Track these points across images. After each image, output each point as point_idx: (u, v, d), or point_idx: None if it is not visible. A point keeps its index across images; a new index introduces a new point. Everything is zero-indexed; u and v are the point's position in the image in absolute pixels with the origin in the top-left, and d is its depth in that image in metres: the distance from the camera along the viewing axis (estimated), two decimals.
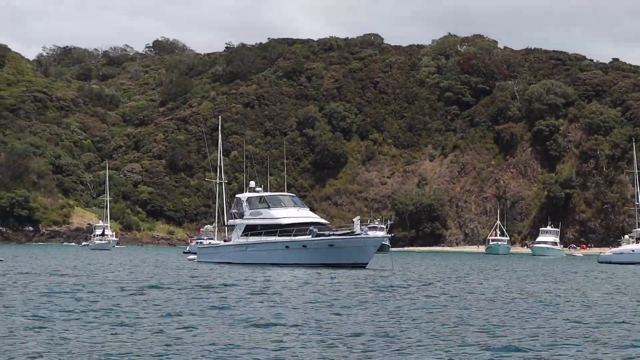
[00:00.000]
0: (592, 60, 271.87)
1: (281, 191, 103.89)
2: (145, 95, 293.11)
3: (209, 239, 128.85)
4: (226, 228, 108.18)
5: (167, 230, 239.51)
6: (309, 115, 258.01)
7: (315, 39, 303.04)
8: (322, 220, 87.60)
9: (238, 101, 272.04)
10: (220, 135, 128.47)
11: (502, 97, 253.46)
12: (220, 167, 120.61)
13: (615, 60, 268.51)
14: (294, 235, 79.24)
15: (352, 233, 78.64)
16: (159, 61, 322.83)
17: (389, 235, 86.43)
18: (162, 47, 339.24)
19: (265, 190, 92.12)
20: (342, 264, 75.31)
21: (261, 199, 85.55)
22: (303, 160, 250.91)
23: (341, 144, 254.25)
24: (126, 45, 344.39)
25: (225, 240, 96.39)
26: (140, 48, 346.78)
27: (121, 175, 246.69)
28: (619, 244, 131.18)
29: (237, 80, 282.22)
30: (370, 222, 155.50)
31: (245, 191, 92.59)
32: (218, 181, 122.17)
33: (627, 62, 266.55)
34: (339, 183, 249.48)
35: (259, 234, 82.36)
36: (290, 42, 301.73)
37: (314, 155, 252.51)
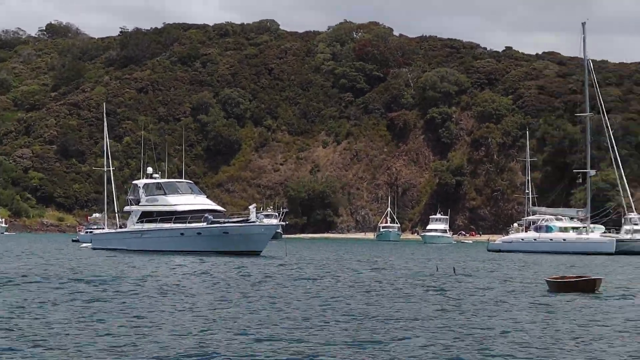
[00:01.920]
0: (485, 48, 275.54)
1: (176, 178, 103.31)
2: (38, 80, 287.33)
3: (98, 227, 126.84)
4: (116, 215, 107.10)
5: (56, 217, 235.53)
6: (203, 101, 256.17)
7: (211, 24, 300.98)
8: (218, 208, 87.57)
9: (132, 86, 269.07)
10: (105, 123, 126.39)
11: (396, 85, 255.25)
12: (107, 154, 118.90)
13: (508, 48, 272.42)
14: (189, 223, 78.93)
15: (246, 221, 78.69)
16: (52, 45, 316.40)
17: (283, 224, 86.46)
18: (56, 31, 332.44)
19: (162, 176, 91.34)
20: (236, 252, 75.28)
21: (158, 186, 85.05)
22: (196, 146, 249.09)
23: (235, 131, 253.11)
24: (18, 28, 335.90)
25: (120, 227, 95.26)
26: (33, 31, 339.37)
27: (11, 161, 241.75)
28: (508, 232, 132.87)
29: (131, 65, 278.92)
30: (264, 209, 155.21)
31: (142, 177, 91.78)
32: (105, 169, 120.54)
33: (520, 51, 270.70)
34: (232, 170, 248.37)
35: (155, 221, 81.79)
36: (185, 27, 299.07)
37: (207, 142, 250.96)
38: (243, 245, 76.37)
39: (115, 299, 31.95)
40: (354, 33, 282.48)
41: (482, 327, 24.81)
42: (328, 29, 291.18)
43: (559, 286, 40.52)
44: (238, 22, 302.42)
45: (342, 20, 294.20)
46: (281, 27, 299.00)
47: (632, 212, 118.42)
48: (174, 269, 53.56)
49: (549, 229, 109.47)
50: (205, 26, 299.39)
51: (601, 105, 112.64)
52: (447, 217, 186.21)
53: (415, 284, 43.00)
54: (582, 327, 25.63)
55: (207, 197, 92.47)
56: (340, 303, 30.99)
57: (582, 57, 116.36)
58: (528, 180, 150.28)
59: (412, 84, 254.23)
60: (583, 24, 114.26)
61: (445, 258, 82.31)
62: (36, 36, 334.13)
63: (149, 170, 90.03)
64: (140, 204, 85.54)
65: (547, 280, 42.82)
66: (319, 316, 26.63)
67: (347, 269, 56.92)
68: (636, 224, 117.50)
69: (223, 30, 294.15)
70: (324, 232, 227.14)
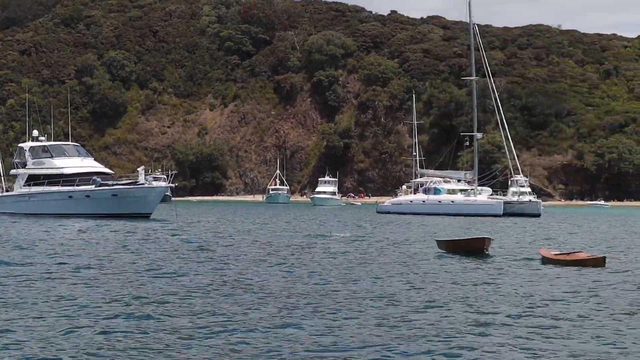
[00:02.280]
0: (370, 12, 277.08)
1: (62, 141, 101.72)
2: None
3: None
4: (2, 178, 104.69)
5: None
6: (88, 63, 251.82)
7: None
8: (107, 170, 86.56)
9: (14, 48, 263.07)
10: None
11: (283, 48, 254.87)
12: None
13: (394, 12, 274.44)
14: (77, 185, 77.81)
15: (135, 183, 78.08)
16: None
17: (172, 186, 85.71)
18: None
19: (48, 139, 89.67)
20: (126, 214, 74.70)
21: (44, 149, 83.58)
22: (82, 109, 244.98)
23: (120, 93, 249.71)
24: None
25: (6, 191, 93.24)
26: None
27: None
28: (396, 194, 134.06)
29: (13, 26, 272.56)
30: (152, 172, 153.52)
31: (28, 140, 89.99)
32: None
33: (405, 15, 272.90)
34: (118, 133, 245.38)
35: (42, 184, 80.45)
36: None
37: (92, 104, 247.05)
38: (132, 207, 75.89)
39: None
40: None
41: (368, 289, 24.84)
42: None
43: (449, 245, 40.97)
44: None
45: None
46: None
47: (519, 174, 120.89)
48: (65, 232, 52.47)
49: (437, 191, 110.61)
50: None
51: (487, 69, 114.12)
52: (335, 179, 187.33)
53: (309, 245, 42.90)
54: (468, 287, 25.96)
55: (94, 159, 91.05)
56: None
57: (467, 21, 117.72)
58: (415, 142, 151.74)
59: (298, 47, 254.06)
60: None
61: (335, 220, 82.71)
62: None
63: (35, 133, 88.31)
64: (26, 167, 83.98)
65: (436, 240, 43.28)
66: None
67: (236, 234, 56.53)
68: (522, 186, 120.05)
69: None
70: (212, 195, 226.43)
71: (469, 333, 17.75)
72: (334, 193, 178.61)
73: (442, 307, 21.40)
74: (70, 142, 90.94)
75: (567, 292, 25.12)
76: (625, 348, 16.55)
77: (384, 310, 20.63)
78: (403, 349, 16.07)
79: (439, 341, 16.81)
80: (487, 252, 38.89)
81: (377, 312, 20.33)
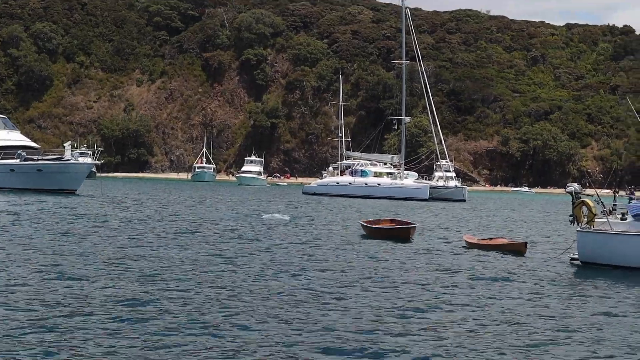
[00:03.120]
0: None
1: None
2: None
3: None
4: None
5: None
6: (14, 35, 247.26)
7: None
8: (33, 144, 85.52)
9: None
10: None
11: (212, 25, 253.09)
12: None
13: None
14: (2, 159, 76.82)
15: (61, 159, 77.32)
16: None
17: (98, 162, 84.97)
18: None
19: None
20: (51, 190, 73.88)
21: None
22: (7, 81, 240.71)
23: (47, 66, 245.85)
24: None
25: None
26: None
27: None
28: (322, 176, 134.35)
29: None
30: (78, 147, 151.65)
31: None
32: None
33: None
34: (43, 106, 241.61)
35: None
36: None
37: (18, 77, 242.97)
38: (58, 183, 75.18)
39: None
40: None
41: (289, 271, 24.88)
42: None
43: (374, 232, 41.09)
44: None
45: None
46: None
47: (445, 159, 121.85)
48: None
49: (364, 174, 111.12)
50: None
51: (417, 52, 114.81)
52: (261, 159, 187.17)
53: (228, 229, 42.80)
54: (390, 272, 26.18)
55: (20, 133, 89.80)
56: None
57: (397, 3, 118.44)
58: (341, 124, 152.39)
59: (227, 25, 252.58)
60: None
61: (261, 200, 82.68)
62: None
63: None
64: None
65: (362, 224, 43.33)
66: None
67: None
68: (447, 171, 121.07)
69: None
70: (138, 172, 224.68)
71: (390, 317, 17.86)
72: (259, 173, 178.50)
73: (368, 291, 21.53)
74: None
75: (484, 277, 25.64)
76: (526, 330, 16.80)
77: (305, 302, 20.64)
78: (320, 337, 16.07)
79: (355, 328, 16.88)
80: (412, 240, 39.15)
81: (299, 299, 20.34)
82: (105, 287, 20.84)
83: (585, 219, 29.62)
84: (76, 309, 17.81)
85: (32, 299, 18.90)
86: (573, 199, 29.92)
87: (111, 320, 16.79)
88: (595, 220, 29.45)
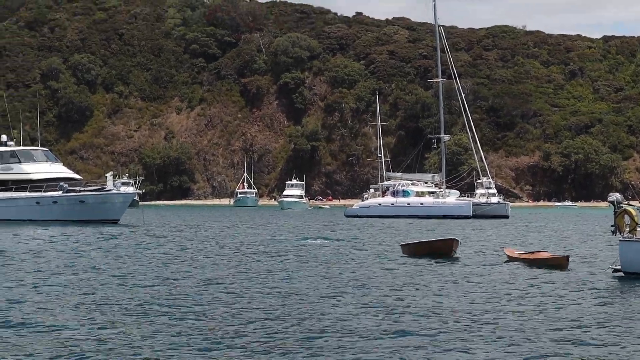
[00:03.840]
0: (336, 13, 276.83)
1: (29, 145, 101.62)
2: None
3: None
4: None
5: None
6: (53, 67, 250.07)
7: None
8: (75, 176, 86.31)
9: None
10: None
11: (248, 50, 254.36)
12: None
13: (359, 14, 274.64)
14: (45, 191, 77.68)
15: (103, 189, 78.09)
16: None
17: (140, 192, 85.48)
18: None
19: (16, 145, 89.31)
20: (94, 220, 74.51)
21: (12, 154, 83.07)
22: (47, 113, 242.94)
23: (86, 97, 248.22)
24: None
25: None
26: None
27: None
28: (363, 197, 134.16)
29: None
30: (119, 177, 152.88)
31: None
32: None
33: (370, 16, 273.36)
34: (84, 137, 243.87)
35: (10, 190, 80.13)
36: None
37: (58, 108, 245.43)
38: (100, 214, 75.89)
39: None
40: None
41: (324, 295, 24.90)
42: None
43: (412, 249, 40.92)
44: None
45: None
46: None
47: (486, 175, 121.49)
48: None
49: (405, 194, 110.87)
50: None
51: (453, 70, 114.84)
52: (302, 182, 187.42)
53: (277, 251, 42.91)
54: (434, 289, 26.19)
55: (62, 165, 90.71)
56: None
57: (432, 22, 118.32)
58: (380, 144, 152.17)
59: (264, 50, 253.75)
60: None
61: (307, 224, 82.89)
62: None
63: (4, 137, 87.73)
64: None
65: (401, 245, 43.07)
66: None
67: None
68: (489, 188, 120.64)
69: None
70: (180, 199, 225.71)
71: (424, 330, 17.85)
72: (301, 196, 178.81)
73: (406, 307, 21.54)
74: (39, 147, 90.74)
75: (523, 290, 25.57)
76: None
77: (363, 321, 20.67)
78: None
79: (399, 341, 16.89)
80: (454, 254, 39.01)
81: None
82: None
83: (628, 228, 29.31)
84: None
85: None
86: (615, 208, 29.64)
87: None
88: (638, 229, 29.15)
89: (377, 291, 25.85)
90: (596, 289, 26.78)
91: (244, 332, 18.59)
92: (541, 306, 22.67)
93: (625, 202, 30.81)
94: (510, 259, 36.26)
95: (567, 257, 34.72)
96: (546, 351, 16.64)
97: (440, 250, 39.29)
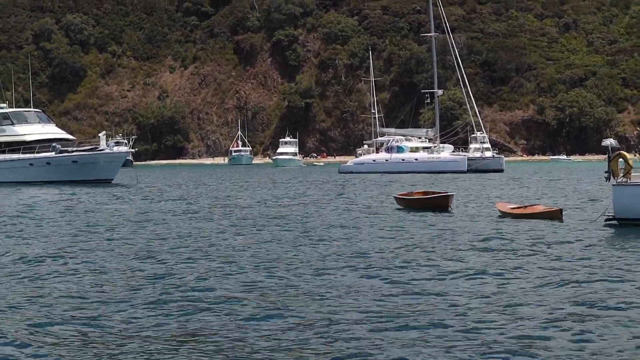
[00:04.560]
0: None
1: (22, 107, 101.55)
2: None
3: None
4: None
5: None
6: (45, 27, 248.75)
7: None
8: (68, 136, 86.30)
9: None
10: None
11: (241, 7, 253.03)
12: None
13: None
14: (38, 152, 77.78)
15: (96, 149, 78.14)
16: None
17: (133, 151, 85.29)
18: None
19: (9, 106, 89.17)
20: (87, 180, 74.65)
21: (4, 116, 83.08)
22: (40, 74, 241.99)
23: (79, 57, 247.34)
24: None
25: None
26: None
27: None
28: (357, 154, 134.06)
29: None
30: (113, 137, 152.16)
31: None
32: None
33: None
34: (78, 97, 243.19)
35: (3, 152, 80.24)
36: None
37: (51, 69, 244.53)
38: (93, 173, 76.03)
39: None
40: None
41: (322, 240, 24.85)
42: None
43: (409, 203, 40.94)
44: None
45: None
46: None
47: (480, 130, 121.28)
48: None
49: (400, 150, 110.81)
50: None
51: (446, 24, 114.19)
52: (296, 140, 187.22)
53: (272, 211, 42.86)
54: (429, 242, 26.14)
55: (55, 125, 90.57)
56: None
57: None
58: (374, 101, 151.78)
59: (257, 6, 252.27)
60: None
61: (300, 180, 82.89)
62: None
63: None
64: None
65: (395, 197, 43.11)
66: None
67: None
68: (483, 142, 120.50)
69: None
70: (175, 159, 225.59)
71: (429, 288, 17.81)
72: (295, 154, 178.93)
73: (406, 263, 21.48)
74: (32, 109, 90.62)
75: (515, 244, 25.46)
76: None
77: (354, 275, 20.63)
78: (369, 307, 16.05)
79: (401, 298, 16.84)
80: (451, 209, 38.94)
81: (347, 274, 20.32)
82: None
83: (622, 172, 28.97)
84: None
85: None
86: (609, 153, 29.30)
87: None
88: (632, 173, 28.83)
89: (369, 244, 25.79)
90: (589, 239, 26.65)
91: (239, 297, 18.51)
92: (531, 260, 22.56)
93: (619, 148, 30.50)
94: (503, 214, 36.14)
95: (561, 210, 34.56)
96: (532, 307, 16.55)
97: (438, 206, 39.23)
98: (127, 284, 19.08)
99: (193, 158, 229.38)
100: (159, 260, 22.70)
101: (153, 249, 25.31)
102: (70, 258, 23.46)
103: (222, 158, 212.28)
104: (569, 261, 21.82)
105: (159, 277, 19.92)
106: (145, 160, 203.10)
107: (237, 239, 27.62)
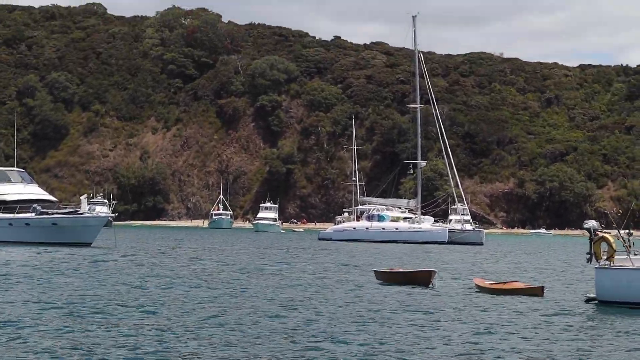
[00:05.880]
0: (314, 37, 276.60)
1: (8, 164, 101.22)
2: None
3: None
4: None
5: None
6: (29, 84, 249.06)
7: (37, 6, 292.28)
8: (50, 197, 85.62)
9: None
10: None
11: (226, 72, 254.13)
12: None
13: (337, 38, 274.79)
14: (18, 213, 77.12)
15: (76, 212, 77.51)
16: None
17: (114, 215, 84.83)
18: None
19: None
20: (67, 243, 73.94)
21: None
22: (22, 130, 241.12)
23: (62, 115, 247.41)
24: None
25: None
26: None
27: None
28: (336, 221, 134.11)
29: None
30: (94, 196, 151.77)
31: None
32: None
33: (348, 40, 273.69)
34: (59, 155, 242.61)
35: None
36: (10, 8, 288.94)
37: (34, 126, 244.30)
38: (73, 236, 75.25)
39: None
40: (183, 19, 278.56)
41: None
42: (156, 14, 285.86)
43: (389, 277, 40.71)
44: (64, 4, 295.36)
45: (171, 6, 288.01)
46: (108, 11, 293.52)
47: (462, 202, 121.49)
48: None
49: (381, 218, 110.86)
50: (30, 8, 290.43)
51: (431, 95, 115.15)
52: (276, 205, 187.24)
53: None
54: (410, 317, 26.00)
55: (38, 185, 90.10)
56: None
57: (410, 47, 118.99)
58: (355, 169, 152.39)
59: (241, 71, 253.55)
60: (414, 17, 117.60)
61: (278, 246, 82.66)
62: None
63: None
64: None
65: (375, 271, 42.89)
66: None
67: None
68: (464, 214, 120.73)
69: (49, 13, 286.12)
70: (154, 219, 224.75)
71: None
72: (274, 219, 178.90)
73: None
74: (14, 168, 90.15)
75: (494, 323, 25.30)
76: None
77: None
78: None
79: None
80: (432, 285, 38.72)
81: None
82: None
83: (605, 256, 29.06)
84: None
85: None
86: (591, 235, 29.39)
87: None
88: (615, 256, 28.92)
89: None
90: (571, 317, 26.58)
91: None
92: (510, 337, 22.46)
93: (601, 230, 30.56)
94: (480, 290, 35.98)
95: (542, 287, 34.45)
96: None
97: (419, 281, 39.01)
98: None
99: (172, 220, 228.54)
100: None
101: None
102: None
103: (202, 221, 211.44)
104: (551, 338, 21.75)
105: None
106: (124, 219, 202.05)
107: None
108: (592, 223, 29.96)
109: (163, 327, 23.03)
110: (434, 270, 40.20)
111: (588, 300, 30.25)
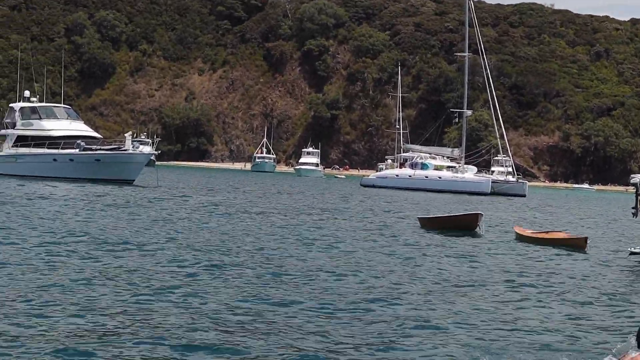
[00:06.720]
0: None
1: (49, 100, 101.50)
2: None
3: None
4: None
5: None
6: (78, 22, 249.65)
7: None
8: (94, 134, 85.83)
9: (4, 3, 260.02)
10: None
11: (274, 15, 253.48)
12: None
13: None
14: (62, 148, 77.54)
15: (119, 148, 77.74)
16: None
17: (156, 153, 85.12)
18: None
19: (40, 100, 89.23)
20: (109, 179, 74.26)
21: (34, 110, 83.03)
22: (70, 68, 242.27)
23: (110, 54, 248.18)
24: None
25: None
26: None
27: None
28: (378, 168, 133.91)
29: None
30: (138, 135, 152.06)
31: (19, 100, 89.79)
32: None
33: None
34: (105, 93, 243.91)
35: (29, 146, 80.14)
36: None
37: (81, 64, 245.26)
38: (116, 173, 75.49)
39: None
40: None
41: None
42: None
43: (434, 222, 40.35)
44: None
45: None
46: None
47: (505, 153, 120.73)
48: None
49: (424, 166, 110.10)
50: None
51: (480, 45, 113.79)
52: (318, 150, 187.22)
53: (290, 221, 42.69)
54: (453, 265, 25.81)
55: (83, 122, 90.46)
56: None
57: None
58: (399, 117, 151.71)
59: (290, 15, 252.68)
60: None
61: (322, 191, 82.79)
62: None
63: (26, 93, 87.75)
64: (16, 127, 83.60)
65: (419, 218, 42.49)
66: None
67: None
68: (507, 166, 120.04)
69: None
70: (197, 161, 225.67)
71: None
72: (317, 164, 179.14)
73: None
74: (61, 104, 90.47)
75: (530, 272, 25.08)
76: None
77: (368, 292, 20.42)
78: (381, 327, 15.86)
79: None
80: (478, 230, 38.41)
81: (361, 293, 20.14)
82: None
83: None
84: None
85: None
86: (637, 190, 28.95)
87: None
88: None
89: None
90: (613, 269, 26.37)
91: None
92: (551, 284, 22.33)
93: None
94: (521, 238, 35.63)
95: (586, 238, 34.10)
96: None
97: (465, 225, 38.54)
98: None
99: (215, 162, 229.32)
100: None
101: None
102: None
103: (244, 164, 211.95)
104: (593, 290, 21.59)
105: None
106: (168, 160, 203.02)
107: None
108: (638, 178, 29.44)
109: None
110: (480, 213, 39.65)
111: (632, 254, 29.90)
